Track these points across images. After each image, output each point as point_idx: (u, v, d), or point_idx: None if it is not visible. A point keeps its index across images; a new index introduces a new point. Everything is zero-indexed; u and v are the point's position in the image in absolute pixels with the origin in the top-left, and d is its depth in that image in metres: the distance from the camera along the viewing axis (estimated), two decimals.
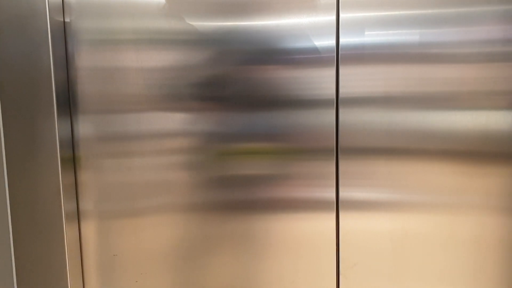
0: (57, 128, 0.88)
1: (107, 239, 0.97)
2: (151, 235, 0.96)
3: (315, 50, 0.93)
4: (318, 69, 0.93)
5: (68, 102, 0.92)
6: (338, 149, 0.95)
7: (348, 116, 0.94)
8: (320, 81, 0.93)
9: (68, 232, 0.92)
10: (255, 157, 0.95)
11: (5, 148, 0.76)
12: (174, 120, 0.93)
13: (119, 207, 0.96)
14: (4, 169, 0.76)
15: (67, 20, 0.89)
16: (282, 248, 0.98)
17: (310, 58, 0.93)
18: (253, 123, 0.94)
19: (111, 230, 0.97)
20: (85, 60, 0.91)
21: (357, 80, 0.93)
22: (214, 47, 0.91)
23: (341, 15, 0.91)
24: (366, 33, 0.93)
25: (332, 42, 0.92)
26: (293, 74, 0.93)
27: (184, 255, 0.98)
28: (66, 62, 0.90)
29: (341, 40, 0.92)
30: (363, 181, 0.96)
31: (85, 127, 0.92)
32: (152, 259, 0.98)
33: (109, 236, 0.97)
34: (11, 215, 0.78)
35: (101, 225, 0.96)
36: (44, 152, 0.87)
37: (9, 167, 0.78)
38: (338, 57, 0.92)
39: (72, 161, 0.93)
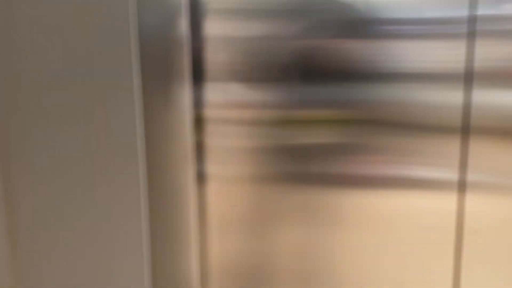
0: (189, 93, 0.95)
1: (227, 201, 1.01)
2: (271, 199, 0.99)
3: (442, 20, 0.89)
4: (445, 42, 0.89)
5: (198, 70, 0.98)
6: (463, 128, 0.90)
7: (476, 94, 0.89)
8: (447, 54, 0.89)
9: (193, 193, 0.99)
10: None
11: (143, 109, 0.83)
12: (293, 90, 0.95)
13: (237, 171, 1.00)
14: (140, 130, 0.82)
15: None
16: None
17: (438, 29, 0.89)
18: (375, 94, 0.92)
19: (231, 192, 1.01)
20: (213, 30, 0.95)
21: (491, 54, 0.87)
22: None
23: None
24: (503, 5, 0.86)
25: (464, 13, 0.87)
26: (427, 45, 0.90)
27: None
28: (196, 32, 0.96)
29: (476, 12, 0.87)
30: (490, 163, 0.90)
31: (211, 94, 0.98)
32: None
33: (228, 198, 1.01)
34: (144, 175, 0.84)
35: (222, 187, 1.01)
36: (177, 115, 0.94)
37: (145, 127, 0.84)
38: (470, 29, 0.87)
39: (199, 125, 0.99)
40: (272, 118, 0.96)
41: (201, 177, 1.01)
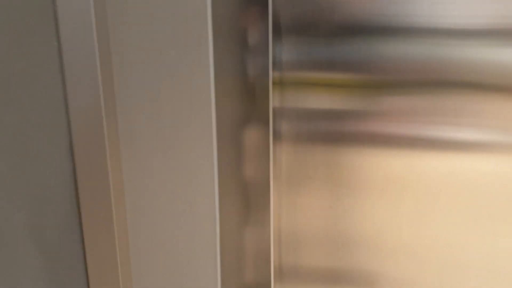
0: (269, 52, 0.94)
1: (303, 162, 1.02)
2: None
3: None
4: None
5: (278, 26, 0.95)
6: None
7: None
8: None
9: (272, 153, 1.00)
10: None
11: (214, 69, 0.82)
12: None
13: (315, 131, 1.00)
14: (212, 91, 0.81)
15: None
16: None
17: None
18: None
19: (307, 154, 1.01)
20: None
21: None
22: None
23: None
24: None
25: None
26: None
27: None
28: None
29: None
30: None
31: (290, 52, 0.96)
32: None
33: (304, 160, 1.01)
34: (216, 134, 0.83)
35: (297, 148, 1.01)
36: (255, 74, 0.93)
37: (219, 87, 0.83)
38: None
39: (278, 85, 0.98)
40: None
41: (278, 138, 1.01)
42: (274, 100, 0.97)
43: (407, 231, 1.00)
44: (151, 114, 0.79)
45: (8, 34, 0.76)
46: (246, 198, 0.97)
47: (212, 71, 0.80)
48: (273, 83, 0.96)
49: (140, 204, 0.83)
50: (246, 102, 0.94)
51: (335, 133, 0.98)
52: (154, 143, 0.80)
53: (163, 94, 0.79)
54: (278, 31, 0.94)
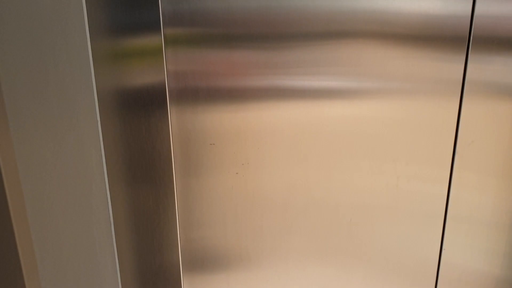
0: (159, 8, 0.83)
1: (205, 127, 0.94)
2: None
3: None
4: None
5: None
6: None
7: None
8: None
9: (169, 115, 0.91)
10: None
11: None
12: None
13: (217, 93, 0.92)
14: (88, 44, 0.70)
15: None
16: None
17: None
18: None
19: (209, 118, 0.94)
20: None
21: None
22: None
23: None
24: None
25: None
26: None
27: None
28: None
29: None
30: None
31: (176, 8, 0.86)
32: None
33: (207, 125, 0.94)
34: (98, 102, 0.74)
35: (199, 112, 0.94)
36: (148, 27, 0.82)
37: (97, 51, 0.73)
38: None
39: (171, 43, 0.88)
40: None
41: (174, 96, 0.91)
42: (168, 60, 0.88)
43: (305, 185, 1.00)
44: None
45: None
46: (145, 169, 0.89)
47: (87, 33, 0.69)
48: (165, 42, 0.87)
49: (35, 192, 0.72)
50: (137, 64, 0.83)
51: (231, 91, 0.92)
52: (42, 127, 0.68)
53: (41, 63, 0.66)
54: None
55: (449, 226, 1.03)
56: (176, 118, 0.93)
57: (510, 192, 1.01)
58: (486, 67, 0.93)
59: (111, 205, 0.76)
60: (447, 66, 0.93)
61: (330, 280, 1.06)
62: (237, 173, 0.97)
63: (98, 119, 0.71)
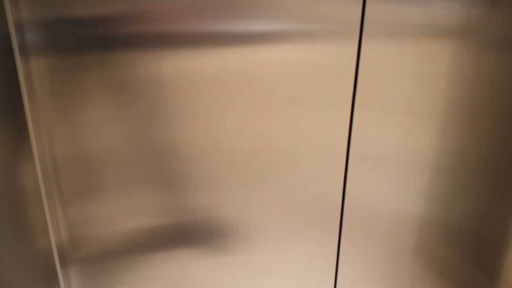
0: None
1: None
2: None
3: None
4: None
5: None
6: None
7: None
8: None
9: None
10: None
11: None
12: None
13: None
14: None
15: None
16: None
17: None
18: None
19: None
20: None
21: None
22: None
23: None
24: None
25: None
26: None
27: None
28: None
29: None
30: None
31: None
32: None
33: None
34: None
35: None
36: None
37: None
38: None
39: None
40: None
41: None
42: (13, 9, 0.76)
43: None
44: None
45: None
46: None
47: None
48: None
49: None
50: None
51: (105, 38, 0.82)
52: None
53: None
54: None
55: (351, 167, 1.00)
56: None
57: (415, 130, 0.96)
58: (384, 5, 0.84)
59: None
60: (345, 6, 0.84)
61: (230, 229, 1.05)
62: (114, 118, 0.91)
63: None
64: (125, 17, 0.81)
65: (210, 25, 0.84)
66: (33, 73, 0.83)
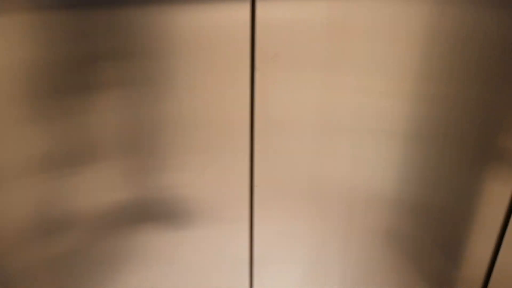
0: None
1: None
2: None
3: None
4: None
5: None
6: None
7: None
8: None
9: None
10: None
11: None
12: None
13: None
14: None
15: None
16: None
17: None
18: None
19: None
20: None
21: None
22: None
23: None
24: None
25: None
26: None
27: None
28: None
29: None
30: None
31: None
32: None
33: None
34: None
35: None
36: None
37: None
38: None
39: None
40: None
41: None
42: None
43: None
44: None
45: None
46: None
47: None
48: None
49: None
50: None
51: None
52: None
53: None
54: None
55: (258, 139, 0.91)
56: None
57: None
58: None
59: None
60: None
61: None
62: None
63: None
64: None
65: None
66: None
